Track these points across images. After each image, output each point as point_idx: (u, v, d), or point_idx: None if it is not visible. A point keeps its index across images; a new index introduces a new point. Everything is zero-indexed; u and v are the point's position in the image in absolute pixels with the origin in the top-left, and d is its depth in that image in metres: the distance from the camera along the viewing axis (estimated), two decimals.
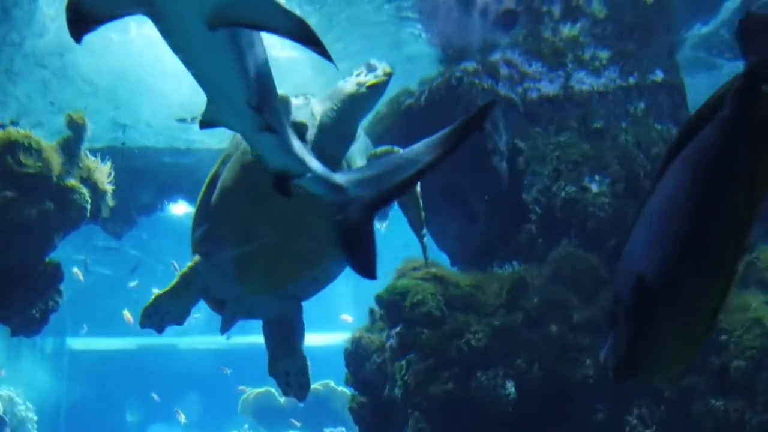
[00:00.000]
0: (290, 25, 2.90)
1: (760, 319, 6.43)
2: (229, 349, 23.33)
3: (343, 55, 8.35)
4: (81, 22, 2.89)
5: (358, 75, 5.79)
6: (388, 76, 5.74)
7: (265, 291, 6.42)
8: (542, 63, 8.50)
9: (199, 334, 24.74)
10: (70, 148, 7.90)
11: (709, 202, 2.15)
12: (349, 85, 5.76)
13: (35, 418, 20.09)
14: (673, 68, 8.74)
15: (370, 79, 5.72)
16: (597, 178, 7.64)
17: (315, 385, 17.97)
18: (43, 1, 7.73)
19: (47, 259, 8.11)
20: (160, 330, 6.40)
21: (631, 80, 8.51)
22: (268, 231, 5.97)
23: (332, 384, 18.68)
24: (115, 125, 10.51)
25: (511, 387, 6.82)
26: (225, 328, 6.73)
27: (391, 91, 6.37)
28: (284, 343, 6.79)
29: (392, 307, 7.39)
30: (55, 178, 7.62)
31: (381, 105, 7.21)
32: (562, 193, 7.65)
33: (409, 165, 3.63)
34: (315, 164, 3.82)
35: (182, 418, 22.35)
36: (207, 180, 6.29)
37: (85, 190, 7.86)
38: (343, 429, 18.25)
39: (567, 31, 8.27)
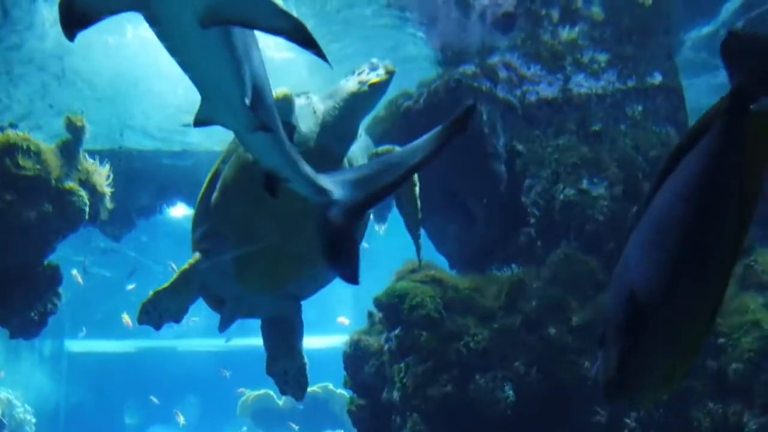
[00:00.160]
0: (284, 23, 2.88)
1: (759, 322, 6.43)
2: (228, 352, 23.30)
3: (340, 56, 8.36)
4: (74, 19, 2.87)
5: (360, 73, 5.81)
6: (390, 74, 5.77)
7: (265, 290, 6.42)
8: (541, 66, 8.51)
9: (198, 337, 24.75)
10: (69, 150, 7.90)
11: (701, 223, 2.16)
12: (351, 83, 5.79)
13: (33, 420, 20.04)
14: (672, 71, 8.74)
15: (372, 77, 5.75)
16: (595, 181, 7.65)
17: (314, 388, 18.04)
18: (43, 4, 7.75)
19: (46, 262, 8.11)
20: (157, 327, 6.37)
21: (630, 83, 8.52)
22: (268, 230, 5.97)
23: (331, 386, 18.65)
24: (113, 127, 10.51)
25: (509, 390, 6.82)
26: (224, 326, 6.72)
27: (389, 94, 6.39)
28: (283, 343, 6.78)
29: (391, 310, 7.39)
30: (53, 181, 7.63)
31: (380, 107, 7.22)
32: (561, 196, 7.66)
33: (393, 168, 3.64)
34: (302, 165, 3.81)
35: (181, 420, 22.33)
36: (207, 178, 6.29)
37: (83, 193, 7.86)
38: None
39: (566, 34, 8.27)
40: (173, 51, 3.02)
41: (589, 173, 7.70)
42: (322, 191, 3.72)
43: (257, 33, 3.28)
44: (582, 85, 8.54)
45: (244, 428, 21.36)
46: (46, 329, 8.45)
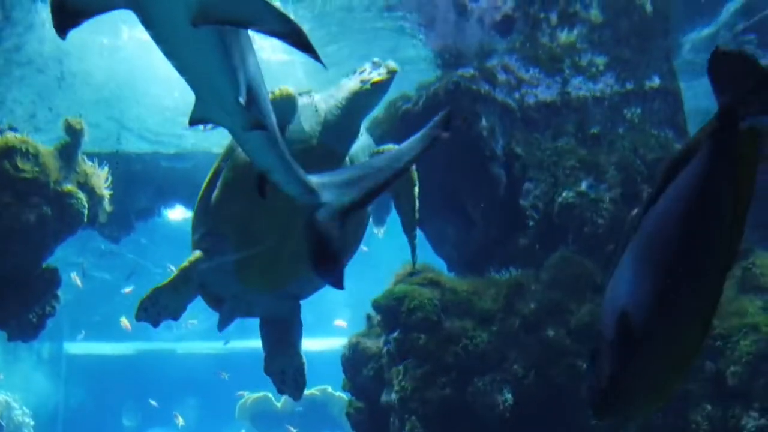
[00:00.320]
0: (276, 23, 2.87)
1: (757, 325, 6.43)
2: (226, 354, 23.27)
3: (338, 58, 8.37)
4: (66, 16, 2.86)
5: (362, 72, 5.82)
6: (392, 73, 5.78)
7: (265, 289, 6.41)
8: (539, 69, 8.52)
9: (196, 340, 24.72)
10: (68, 153, 7.90)
11: (692, 243, 2.18)
12: (353, 82, 5.80)
13: (32, 423, 20.01)
14: (670, 73, 8.76)
15: (374, 76, 5.76)
16: (594, 183, 7.66)
17: (312, 391, 18.03)
18: (42, 6, 7.76)
19: (44, 264, 8.11)
20: (155, 324, 6.33)
21: (628, 86, 8.53)
22: (268, 229, 5.97)
23: (329, 389, 18.63)
24: (111, 130, 10.51)
25: (507, 392, 6.81)
26: (222, 325, 6.71)
27: (388, 95, 6.40)
28: (281, 342, 6.77)
29: (389, 313, 7.38)
30: (52, 183, 7.63)
31: (379, 109, 7.22)
32: (560, 199, 7.66)
33: (380, 171, 3.68)
34: (294, 166, 3.80)
35: (180, 422, 22.29)
36: (208, 177, 6.28)
37: (82, 195, 7.86)
38: None
39: (564, 37, 8.29)
40: (167, 52, 3.02)
41: (587, 176, 7.71)
42: (311, 193, 3.73)
43: (252, 34, 3.28)
44: (580, 88, 8.55)
45: (243, 431, 21.32)
46: (45, 331, 8.45)
